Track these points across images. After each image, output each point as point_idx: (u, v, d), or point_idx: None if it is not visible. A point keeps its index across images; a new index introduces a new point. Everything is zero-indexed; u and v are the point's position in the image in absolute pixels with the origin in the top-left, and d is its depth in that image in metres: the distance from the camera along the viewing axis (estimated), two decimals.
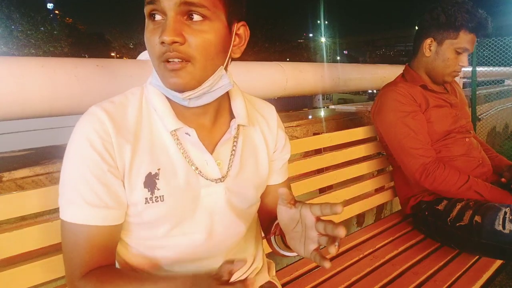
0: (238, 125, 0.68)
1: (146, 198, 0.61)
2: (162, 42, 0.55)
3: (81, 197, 0.58)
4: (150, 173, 0.61)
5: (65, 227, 0.59)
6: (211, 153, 0.66)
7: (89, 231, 0.59)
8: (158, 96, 0.64)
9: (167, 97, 0.64)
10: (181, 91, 0.58)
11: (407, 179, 1.35)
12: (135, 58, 1.27)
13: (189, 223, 0.65)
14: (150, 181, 0.61)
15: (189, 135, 0.63)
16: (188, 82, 0.58)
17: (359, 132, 1.50)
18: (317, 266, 1.13)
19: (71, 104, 1.00)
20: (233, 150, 0.69)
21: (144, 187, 0.61)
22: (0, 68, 0.89)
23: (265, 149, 0.74)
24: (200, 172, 0.65)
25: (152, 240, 0.65)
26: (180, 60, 0.56)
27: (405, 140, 1.25)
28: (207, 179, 0.65)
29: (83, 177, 0.58)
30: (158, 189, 0.62)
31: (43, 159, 0.98)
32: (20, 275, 0.71)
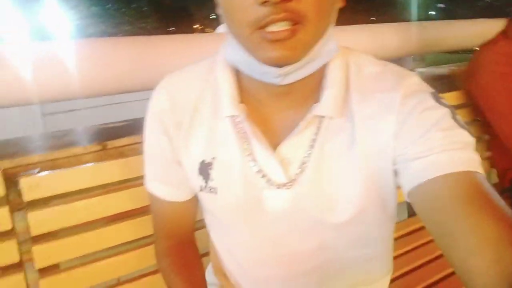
0: (318, 116, 0.51)
1: (201, 186, 0.57)
2: (265, 1, 0.39)
3: (149, 171, 0.62)
4: (203, 161, 0.55)
5: (148, 193, 0.64)
6: (277, 149, 0.52)
7: (158, 201, 0.62)
8: (223, 71, 0.54)
9: (237, 73, 0.53)
10: (283, 65, 0.44)
11: (506, 149, 1.21)
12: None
13: (250, 224, 0.57)
14: (204, 170, 0.56)
15: (249, 126, 0.52)
16: (297, 53, 0.44)
17: (452, 97, 1.37)
18: None
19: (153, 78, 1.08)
20: (311, 147, 0.51)
21: (199, 174, 0.56)
22: (93, 49, 0.99)
23: (375, 146, 0.50)
24: (261, 171, 0.53)
25: (219, 232, 0.64)
26: (289, 23, 0.41)
27: (504, 105, 1.12)
28: (268, 182, 0.53)
29: (147, 153, 0.61)
30: (212, 180, 0.56)
31: (139, 129, 1.09)
32: (114, 233, 0.83)
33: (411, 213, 1.28)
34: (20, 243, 0.74)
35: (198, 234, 0.69)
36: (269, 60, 0.43)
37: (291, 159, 0.52)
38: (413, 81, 0.50)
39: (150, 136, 0.60)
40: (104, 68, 0.98)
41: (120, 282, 0.86)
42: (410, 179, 0.45)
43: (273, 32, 0.41)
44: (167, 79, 0.58)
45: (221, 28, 1.27)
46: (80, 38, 1.05)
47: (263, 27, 0.41)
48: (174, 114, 0.56)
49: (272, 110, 0.52)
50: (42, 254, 0.76)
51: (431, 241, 1.09)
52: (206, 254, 0.72)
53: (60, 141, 1.05)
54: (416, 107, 0.47)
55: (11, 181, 0.74)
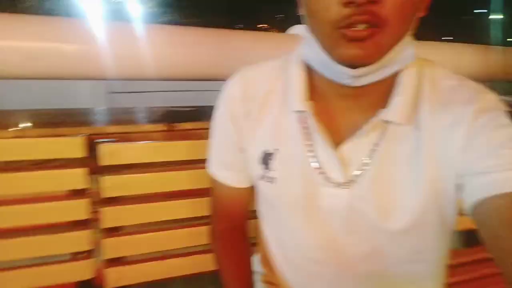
0: (384, 121, 0.51)
1: (261, 175, 0.59)
2: (349, 2, 0.41)
3: (213, 155, 0.67)
4: (266, 151, 0.58)
5: (210, 176, 0.69)
6: (339, 147, 0.53)
7: (218, 185, 0.67)
8: (296, 69, 0.56)
9: (309, 72, 0.55)
10: (357, 66, 0.46)
11: None
12: (284, 31, 1.33)
13: (304, 219, 0.58)
14: (265, 159, 0.58)
15: (314, 123, 0.53)
16: (372, 54, 0.45)
17: None
18: None
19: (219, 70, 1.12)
20: (373, 151, 0.52)
21: (260, 163, 0.59)
22: (170, 35, 1.05)
23: (441, 157, 0.50)
24: (321, 168, 0.55)
25: (272, 223, 0.66)
26: (369, 25, 0.43)
27: None
28: (326, 179, 0.55)
29: (214, 138, 0.65)
30: (272, 170, 0.58)
31: (204, 116, 1.15)
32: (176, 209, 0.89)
33: (467, 243, 1.22)
34: (91, 203, 0.82)
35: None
36: (344, 58, 0.45)
37: (352, 159, 0.53)
38: (489, 97, 0.50)
39: (219, 121, 0.64)
40: (178, 55, 1.05)
41: (166, 255, 0.91)
42: (476, 193, 0.46)
43: (352, 31, 0.43)
44: (243, 71, 0.62)
45: (293, 30, 1.29)
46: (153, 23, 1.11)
47: (344, 27, 0.43)
48: (244, 104, 0.60)
49: (338, 110, 0.54)
50: (108, 216, 0.83)
51: (485, 276, 1.04)
52: (253, 244, 0.75)
53: (131, 117, 1.13)
54: (489, 123, 0.47)
55: (91, 147, 0.82)
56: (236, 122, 0.61)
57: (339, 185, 0.54)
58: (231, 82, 0.62)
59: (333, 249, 0.57)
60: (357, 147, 0.53)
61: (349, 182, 0.53)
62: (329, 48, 0.47)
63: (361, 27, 0.43)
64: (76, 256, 0.85)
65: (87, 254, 0.84)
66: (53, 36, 0.87)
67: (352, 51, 0.44)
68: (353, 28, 0.43)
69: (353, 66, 0.46)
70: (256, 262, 0.74)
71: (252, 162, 0.61)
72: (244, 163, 0.63)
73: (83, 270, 0.84)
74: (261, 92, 0.59)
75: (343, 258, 0.57)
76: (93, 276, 0.85)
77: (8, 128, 0.87)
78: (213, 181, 0.68)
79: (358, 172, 0.53)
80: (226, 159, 0.65)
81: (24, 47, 0.83)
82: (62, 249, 0.83)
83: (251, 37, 1.19)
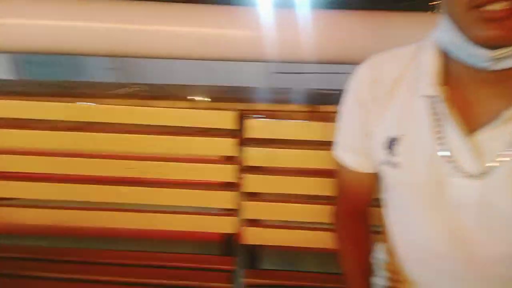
0: None
1: (385, 160, 0.58)
2: None
3: (339, 138, 0.67)
4: (392, 136, 0.57)
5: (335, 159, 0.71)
6: (472, 136, 0.50)
7: (342, 168, 0.67)
8: (430, 53, 0.54)
9: (444, 56, 0.52)
10: (496, 46, 0.43)
11: None
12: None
13: (430, 210, 0.55)
14: (391, 144, 0.57)
15: (445, 109, 0.50)
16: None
17: None
18: None
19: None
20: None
21: (385, 148, 0.58)
22: (326, 20, 1.07)
23: None
24: (449, 156, 0.51)
25: (396, 212, 0.63)
26: (510, 3, 0.41)
27: None
28: (455, 168, 0.51)
29: (341, 122, 0.66)
30: (396, 155, 0.56)
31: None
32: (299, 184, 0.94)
33: None
34: (237, 169, 0.95)
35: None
36: (482, 39, 0.43)
37: (487, 150, 0.49)
38: None
39: (347, 106, 0.65)
40: (336, 38, 1.06)
41: (296, 226, 0.98)
42: None
43: (490, 11, 0.41)
44: (373, 57, 0.62)
45: None
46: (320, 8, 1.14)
47: (480, 6, 0.41)
48: (373, 89, 0.59)
49: (474, 97, 0.50)
50: (249, 182, 0.95)
51: None
52: (378, 232, 0.75)
53: (282, 96, 1.22)
54: None
55: (241, 120, 0.94)
56: (364, 106, 0.61)
57: (470, 176, 0.50)
58: (361, 67, 0.62)
59: (461, 245, 0.53)
60: (494, 136, 0.48)
61: (483, 174, 0.49)
62: (465, 29, 0.44)
63: (500, 5, 0.40)
64: (222, 212, 1.00)
65: (231, 212, 0.99)
66: (226, 23, 1.01)
67: (490, 32, 0.42)
68: (490, 7, 0.41)
69: (492, 47, 0.43)
70: (380, 250, 0.74)
71: (377, 146, 0.60)
72: (369, 148, 0.62)
73: (227, 225, 0.99)
74: (390, 77, 0.58)
75: (472, 256, 0.53)
76: (234, 232, 0.99)
77: (185, 99, 1.06)
78: (338, 164, 0.70)
79: (494, 164, 0.48)
80: (352, 143, 0.66)
81: (200, 33, 0.99)
82: (211, 203, 1.00)
83: (411, 19, 1.11)
